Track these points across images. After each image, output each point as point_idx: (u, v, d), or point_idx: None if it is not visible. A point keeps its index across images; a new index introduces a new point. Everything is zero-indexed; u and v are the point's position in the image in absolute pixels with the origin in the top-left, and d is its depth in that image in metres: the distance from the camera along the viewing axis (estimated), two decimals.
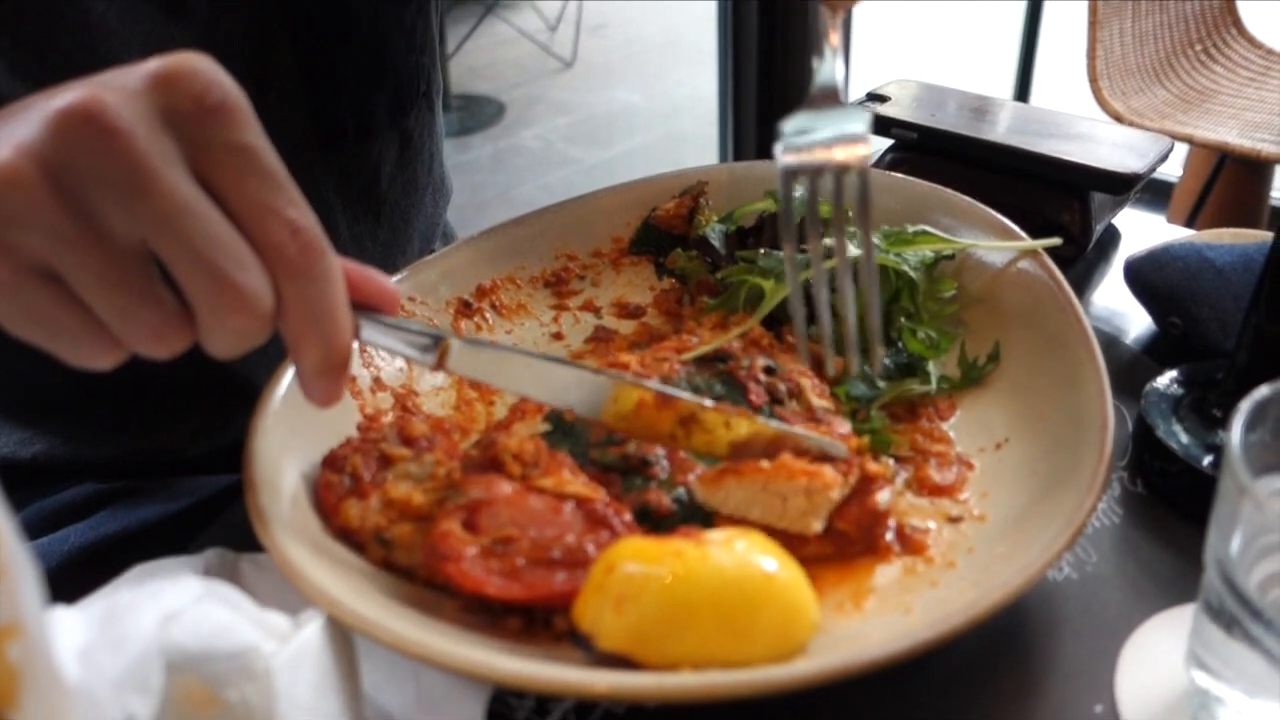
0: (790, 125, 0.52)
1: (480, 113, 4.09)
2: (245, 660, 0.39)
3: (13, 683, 0.31)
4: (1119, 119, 2.18)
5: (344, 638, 0.44)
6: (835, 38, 0.53)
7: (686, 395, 0.52)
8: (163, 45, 0.68)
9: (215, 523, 0.63)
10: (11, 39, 0.63)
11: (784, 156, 0.51)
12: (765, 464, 0.51)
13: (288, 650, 0.41)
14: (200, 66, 0.42)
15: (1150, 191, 0.80)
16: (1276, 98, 2.24)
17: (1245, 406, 0.42)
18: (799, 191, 0.61)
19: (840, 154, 0.50)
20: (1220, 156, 2.24)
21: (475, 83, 4.36)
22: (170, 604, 0.38)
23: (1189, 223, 2.51)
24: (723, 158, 2.79)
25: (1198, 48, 2.39)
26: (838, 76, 0.52)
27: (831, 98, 0.52)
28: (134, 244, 0.40)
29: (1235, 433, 0.41)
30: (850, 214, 0.51)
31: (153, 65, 0.41)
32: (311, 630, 0.43)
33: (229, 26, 0.72)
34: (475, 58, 4.55)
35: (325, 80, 0.79)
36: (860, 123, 0.51)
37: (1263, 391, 0.43)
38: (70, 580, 0.79)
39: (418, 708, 0.48)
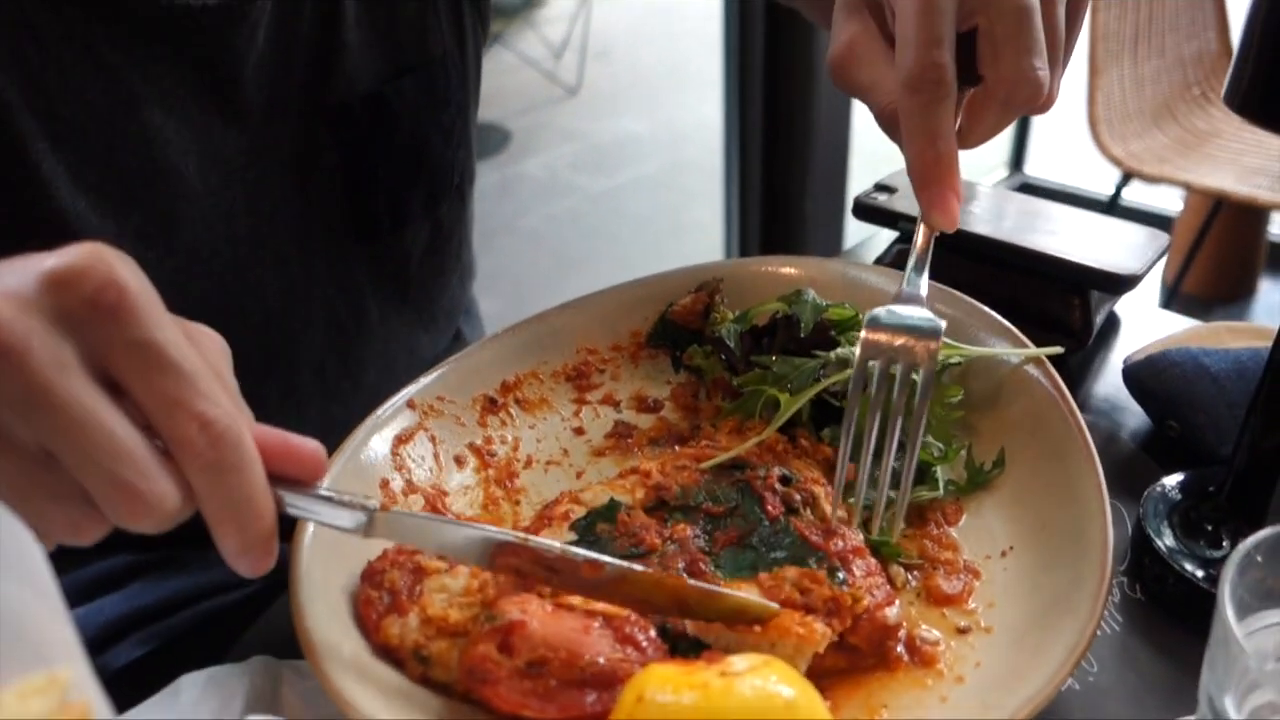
0: (877, 311, 0.60)
1: (486, 141, 4.13)
2: None
3: None
4: (1119, 164, 2.22)
5: None
6: (925, 252, 0.62)
7: (614, 561, 0.53)
8: (217, 151, 0.72)
9: (258, 620, 0.65)
10: (75, 154, 0.66)
11: (867, 332, 0.59)
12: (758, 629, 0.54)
13: None
14: (94, 263, 0.41)
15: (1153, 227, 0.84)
16: (1274, 141, 2.27)
17: (1236, 555, 0.45)
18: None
19: (915, 344, 0.59)
20: (1218, 198, 2.27)
21: (480, 110, 4.39)
22: None
23: (1188, 260, 2.55)
24: (727, 186, 2.81)
25: (1195, 90, 2.42)
26: (923, 287, 0.61)
27: (916, 301, 0.61)
28: (39, 449, 0.40)
29: (1225, 581, 0.44)
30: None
31: (48, 264, 0.40)
32: None
33: (279, 132, 0.75)
34: (480, 85, 4.58)
35: (365, 178, 0.82)
36: (936, 325, 0.59)
37: (1255, 538, 0.46)
38: (106, 650, 0.82)
39: None
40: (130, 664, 0.80)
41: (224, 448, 0.43)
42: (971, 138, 0.60)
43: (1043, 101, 0.57)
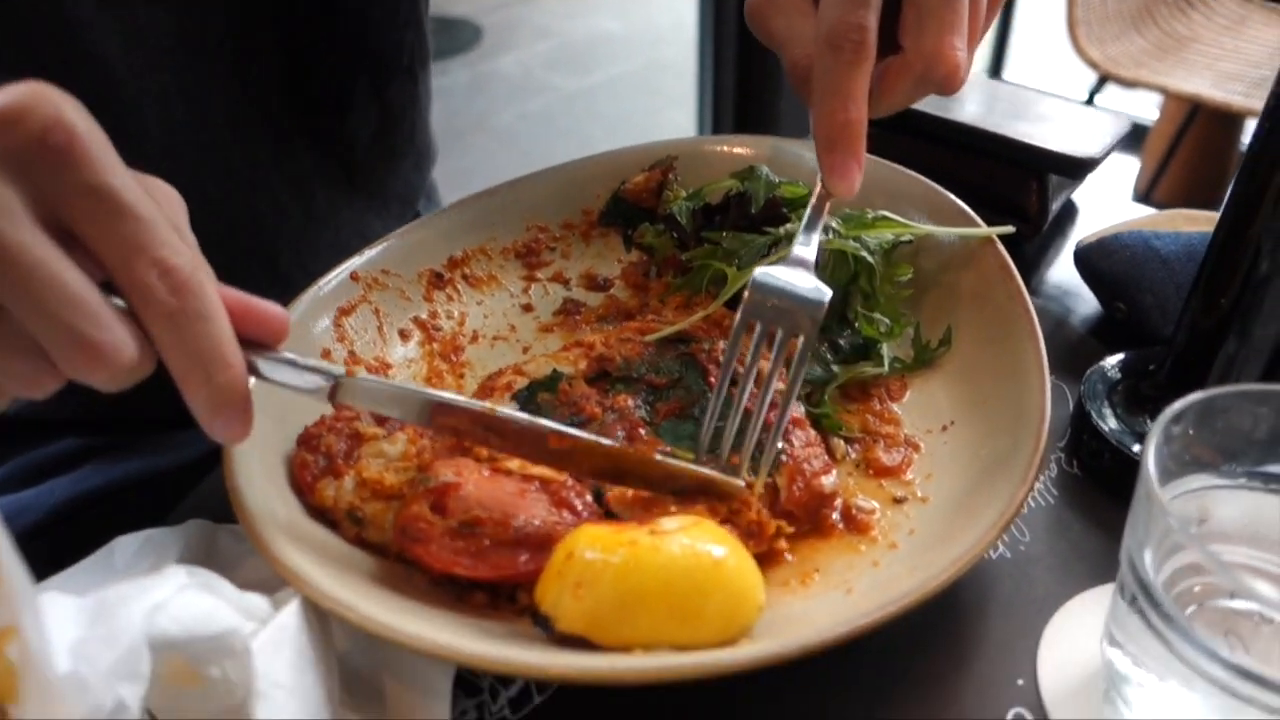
0: (760, 274, 0.56)
1: (457, 36, 4.02)
2: (225, 641, 0.42)
3: (12, 679, 0.34)
4: (1096, 66, 2.19)
5: (319, 616, 0.47)
6: (819, 214, 0.59)
7: (586, 436, 0.53)
8: (142, 33, 0.68)
9: (194, 490, 0.65)
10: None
11: (749, 294, 0.56)
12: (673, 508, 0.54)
13: (266, 631, 0.44)
14: (39, 102, 0.38)
15: (1126, 136, 0.83)
16: (1252, 47, 2.25)
17: (1162, 418, 0.45)
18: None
19: (797, 316, 0.55)
20: (1193, 105, 2.26)
21: (452, 5, 4.28)
22: (157, 596, 0.41)
23: (1162, 168, 2.54)
24: (701, 86, 2.77)
25: None
26: (812, 250, 0.58)
27: (805, 265, 0.57)
28: None
29: (1150, 443, 0.45)
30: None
31: None
32: (288, 611, 0.46)
33: (207, 10, 0.71)
34: None
35: (305, 58, 0.79)
36: (821, 296, 0.55)
37: (1182, 402, 0.46)
38: (55, 532, 0.82)
39: (387, 672, 0.51)
40: (79, 542, 0.80)
41: (186, 295, 0.42)
42: (879, 106, 0.57)
43: (955, 82, 0.55)
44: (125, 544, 0.54)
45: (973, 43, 0.57)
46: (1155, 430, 0.45)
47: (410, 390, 0.52)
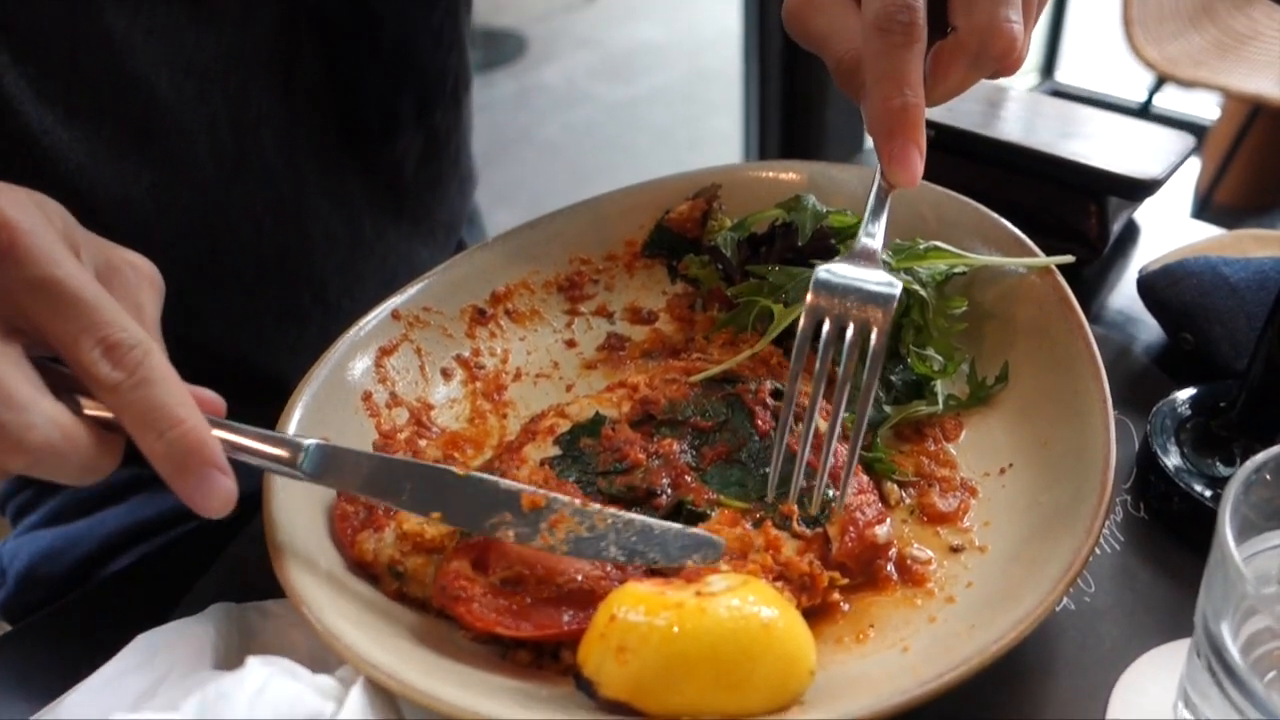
0: (826, 268, 0.54)
1: (502, 48, 4.04)
2: None
3: None
4: (1153, 67, 2.13)
5: (383, 690, 0.46)
6: (882, 204, 0.56)
7: (564, 498, 0.52)
8: (189, 60, 0.69)
9: (219, 560, 0.64)
10: (37, 67, 0.63)
11: (813, 296, 0.53)
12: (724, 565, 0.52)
13: (345, 711, 0.43)
14: None
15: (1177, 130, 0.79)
16: None
17: (1241, 473, 0.43)
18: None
19: (868, 309, 0.53)
20: (1255, 105, 2.19)
21: (497, 16, 4.30)
22: (250, 687, 0.40)
23: (1222, 169, 2.47)
24: (746, 94, 2.74)
25: None
26: (878, 238, 0.55)
27: (871, 258, 0.55)
28: None
29: (1227, 501, 0.42)
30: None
31: None
32: (357, 689, 0.45)
33: (256, 35, 0.72)
34: None
35: (350, 84, 0.79)
36: (891, 290, 0.53)
37: (1264, 455, 0.44)
38: (108, 564, 0.82)
39: None
40: (128, 571, 0.80)
41: (128, 364, 0.43)
42: (936, 92, 0.54)
43: (1014, 58, 0.52)
44: (149, 639, 0.52)
45: (1029, 20, 0.54)
46: (1233, 486, 0.43)
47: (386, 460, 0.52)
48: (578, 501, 0.52)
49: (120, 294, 0.46)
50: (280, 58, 0.75)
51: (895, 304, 0.53)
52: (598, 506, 0.52)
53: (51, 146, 0.65)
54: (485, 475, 0.53)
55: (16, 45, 0.62)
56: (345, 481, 0.51)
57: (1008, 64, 0.53)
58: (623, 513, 0.52)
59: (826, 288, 0.53)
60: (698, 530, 0.52)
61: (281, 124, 0.77)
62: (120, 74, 0.66)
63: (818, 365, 0.53)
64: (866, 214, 0.57)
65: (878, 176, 0.56)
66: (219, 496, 0.45)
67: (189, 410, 0.45)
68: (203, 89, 0.71)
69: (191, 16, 0.68)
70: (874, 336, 0.52)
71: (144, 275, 0.49)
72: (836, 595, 0.54)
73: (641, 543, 0.51)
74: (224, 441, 0.48)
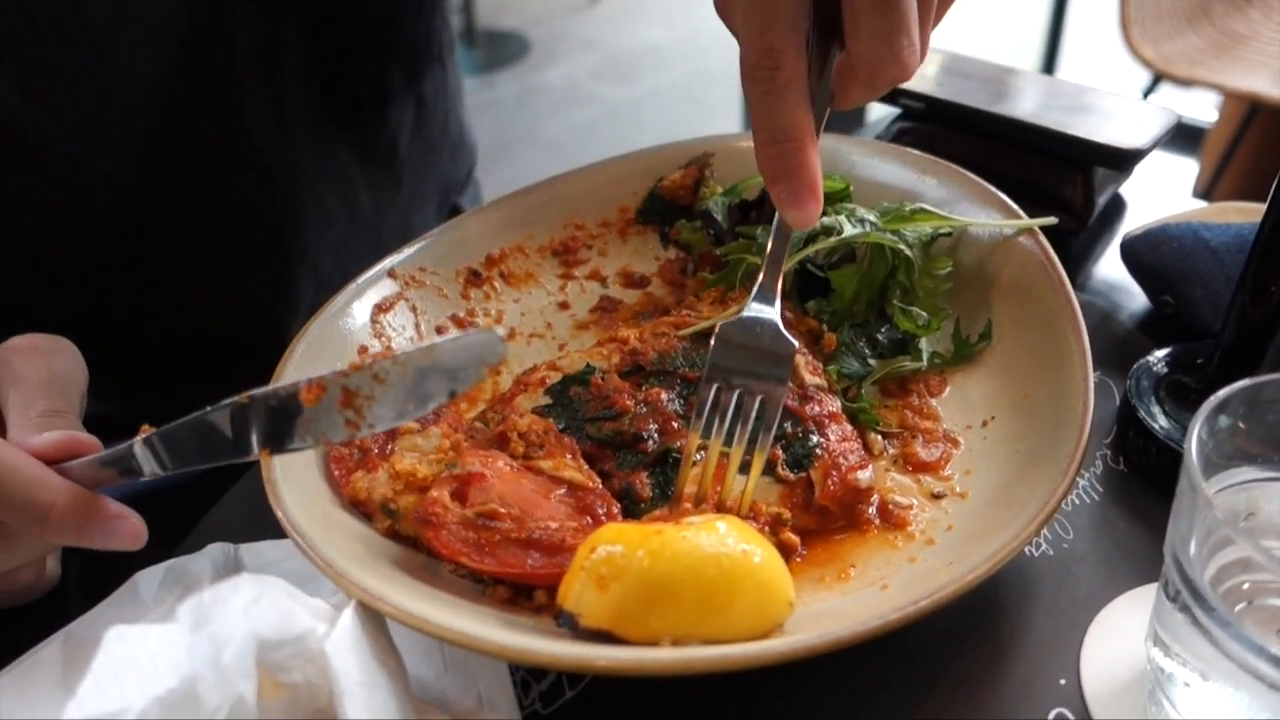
0: (727, 327, 0.57)
1: (505, 49, 4.06)
2: (304, 644, 0.43)
3: None
4: (1150, 66, 2.14)
5: (376, 616, 0.47)
6: (781, 250, 0.58)
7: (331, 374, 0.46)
8: (168, 43, 0.69)
9: (220, 502, 0.65)
10: (20, 66, 0.64)
11: (714, 354, 0.57)
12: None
13: (335, 632, 0.44)
14: None
15: (1183, 137, 0.80)
16: None
17: (1206, 407, 0.44)
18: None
19: (760, 386, 0.56)
20: (1252, 105, 2.20)
21: (501, 18, 4.32)
22: (245, 595, 0.41)
23: (1220, 169, 2.48)
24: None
25: None
26: (776, 310, 0.58)
27: (773, 303, 0.58)
28: None
29: (1193, 433, 0.43)
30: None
31: None
32: (349, 612, 0.46)
33: (237, 15, 0.72)
34: None
35: (336, 57, 0.79)
36: (785, 364, 0.56)
37: (1224, 391, 0.45)
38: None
39: (447, 672, 0.50)
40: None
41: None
42: (841, 104, 0.54)
43: (905, 79, 0.52)
44: (148, 577, 0.54)
45: (929, 24, 0.53)
46: (1198, 420, 0.44)
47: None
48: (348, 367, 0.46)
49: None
50: (262, 38, 0.74)
51: (793, 358, 0.57)
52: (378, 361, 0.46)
53: (37, 139, 0.66)
54: (267, 389, 0.47)
55: None
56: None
57: (899, 83, 0.52)
58: (397, 353, 0.46)
59: (727, 344, 0.57)
60: (468, 332, 0.50)
61: (268, 103, 0.77)
62: (103, 64, 0.67)
63: (717, 427, 0.56)
64: (767, 256, 0.58)
65: (776, 217, 0.57)
66: (123, 540, 0.51)
67: (53, 490, 0.49)
68: (186, 72, 0.71)
69: (168, 2, 0.68)
70: (770, 407, 0.56)
71: (66, 355, 0.56)
72: (790, 535, 0.55)
73: (431, 379, 0.46)
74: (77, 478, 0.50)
